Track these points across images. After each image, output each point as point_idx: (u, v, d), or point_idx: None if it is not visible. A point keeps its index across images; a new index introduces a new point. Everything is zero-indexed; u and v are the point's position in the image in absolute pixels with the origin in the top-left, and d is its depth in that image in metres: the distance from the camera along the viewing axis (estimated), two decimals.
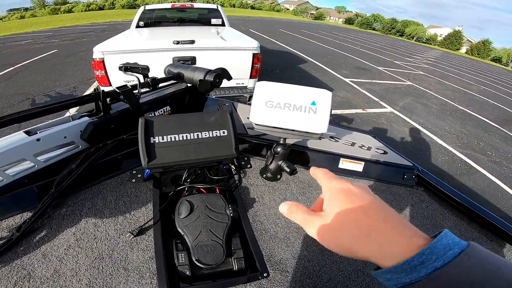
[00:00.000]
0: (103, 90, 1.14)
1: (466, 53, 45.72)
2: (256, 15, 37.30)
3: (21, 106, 4.61)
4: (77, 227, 0.95)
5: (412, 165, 1.46)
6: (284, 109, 1.01)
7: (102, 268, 0.84)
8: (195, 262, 0.84)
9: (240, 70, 3.23)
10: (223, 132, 1.01)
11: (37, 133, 1.02)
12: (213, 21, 4.79)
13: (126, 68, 1.25)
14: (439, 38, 50.39)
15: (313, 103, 0.99)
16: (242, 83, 3.37)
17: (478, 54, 43.87)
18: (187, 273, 0.84)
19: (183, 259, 0.86)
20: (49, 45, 9.95)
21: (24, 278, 0.78)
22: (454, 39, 47.09)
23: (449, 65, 17.23)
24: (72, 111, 3.20)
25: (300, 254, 0.97)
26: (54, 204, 1.00)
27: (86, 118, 1.14)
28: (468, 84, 11.24)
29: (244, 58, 3.22)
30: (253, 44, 3.25)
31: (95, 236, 0.93)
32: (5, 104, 4.61)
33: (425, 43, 47.71)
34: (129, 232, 0.94)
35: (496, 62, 41.15)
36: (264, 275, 0.88)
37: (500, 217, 1.21)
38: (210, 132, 1.00)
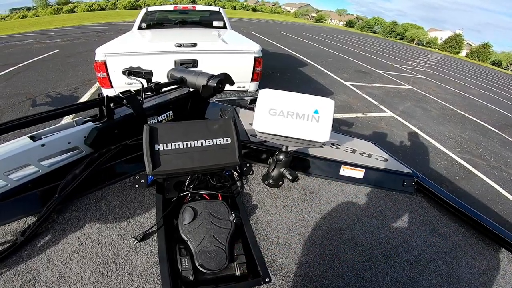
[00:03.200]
0: (107, 95, 1.15)
1: (466, 56, 45.71)
2: (257, 17, 37.40)
3: (21, 106, 4.61)
4: (81, 231, 0.96)
5: (412, 172, 1.48)
6: (287, 117, 1.02)
7: (107, 273, 0.85)
8: (199, 267, 0.85)
9: (241, 73, 3.23)
10: (227, 140, 1.02)
11: (41, 138, 1.02)
12: (215, 23, 4.78)
13: (130, 72, 1.26)
14: (439, 42, 50.46)
15: (316, 112, 1.01)
16: (243, 87, 3.38)
17: (478, 58, 43.90)
18: (191, 278, 0.85)
19: (186, 264, 0.87)
20: (51, 45, 9.94)
21: (29, 282, 0.79)
22: (455, 42, 47.11)
23: (449, 69, 17.27)
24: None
25: (301, 259, 0.99)
26: (58, 208, 1.01)
27: (90, 123, 1.15)
28: (468, 88, 11.26)
29: (245, 62, 3.22)
30: (255, 47, 3.25)
31: (99, 241, 0.94)
32: (5, 104, 4.60)
33: (425, 46, 47.83)
34: (133, 237, 0.95)
35: (496, 65, 41.20)
36: (266, 280, 0.89)
37: (498, 223, 1.23)
38: (214, 140, 1.01)
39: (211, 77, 1.32)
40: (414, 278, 1.00)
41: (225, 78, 1.39)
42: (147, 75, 1.29)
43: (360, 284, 0.94)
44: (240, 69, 3.23)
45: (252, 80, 3.32)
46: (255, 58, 3.22)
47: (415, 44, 48.88)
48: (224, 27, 4.77)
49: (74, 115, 2.51)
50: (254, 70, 3.26)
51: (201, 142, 0.99)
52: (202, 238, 0.90)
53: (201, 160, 0.98)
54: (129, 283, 0.83)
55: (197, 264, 0.85)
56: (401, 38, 52.15)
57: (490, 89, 12.89)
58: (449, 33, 52.13)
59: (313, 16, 71.95)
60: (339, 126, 4.78)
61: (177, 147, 0.96)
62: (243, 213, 1.10)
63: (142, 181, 1.19)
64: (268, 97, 1.04)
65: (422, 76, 11.59)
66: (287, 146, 1.18)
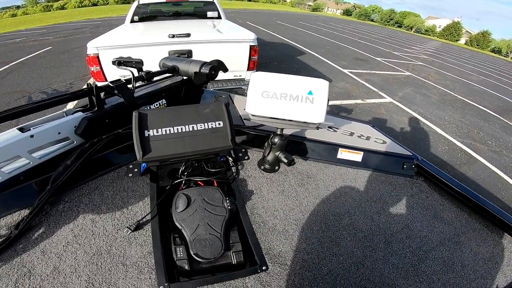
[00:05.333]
0: (96, 85, 1.12)
1: (465, 44, 45.22)
2: (253, 8, 36.80)
3: (18, 104, 4.56)
4: (75, 223, 0.95)
5: (411, 154, 1.45)
6: (280, 99, 1.00)
7: (101, 264, 0.83)
8: (193, 256, 0.83)
9: (237, 62, 3.20)
10: (219, 124, 0.99)
11: (30, 129, 1.00)
12: (209, 14, 4.71)
13: (120, 62, 1.23)
14: (438, 29, 49.82)
15: (310, 93, 0.98)
16: (240, 75, 3.34)
17: (477, 45, 43.37)
18: (186, 267, 0.83)
19: (181, 253, 0.85)
20: (43, 42, 9.81)
21: (24, 275, 0.78)
22: (453, 30, 46.48)
23: (448, 56, 17.09)
24: (69, 106, 3.16)
25: (299, 246, 0.97)
26: (51, 200, 0.99)
27: (80, 113, 1.12)
28: (467, 75, 11.16)
29: (241, 50, 3.17)
30: (250, 36, 3.20)
31: (93, 232, 0.92)
32: (1, 102, 4.57)
33: (424, 34, 47.21)
34: (127, 227, 0.93)
35: (496, 53, 40.76)
36: (263, 268, 0.88)
37: (502, 208, 1.19)
38: (206, 124, 0.98)
39: (204, 64, 1.29)
40: (416, 265, 0.97)
41: (218, 65, 1.36)
42: (138, 64, 1.26)
43: (361, 272, 0.92)
44: (236, 58, 3.19)
45: (249, 69, 3.29)
46: (251, 47, 3.18)
47: (414, 32, 48.29)
48: (219, 17, 4.69)
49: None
50: (250, 58, 3.22)
51: (192, 127, 0.96)
52: (197, 226, 0.88)
53: (192, 145, 0.95)
54: (123, 274, 0.82)
55: (191, 253, 0.84)
56: (399, 26, 51.44)
57: (490, 75, 12.77)
58: (448, 21, 51.44)
59: (310, 5, 70.85)
60: (338, 113, 4.75)
61: (168, 132, 0.94)
62: (238, 200, 1.08)
63: (136, 170, 1.16)
64: (260, 80, 1.01)
65: (421, 63, 11.47)
66: (281, 129, 1.15)
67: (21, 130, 1.00)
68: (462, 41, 47.70)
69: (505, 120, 6.02)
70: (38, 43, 9.70)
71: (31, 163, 1.01)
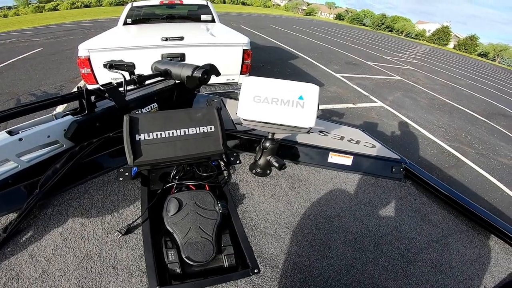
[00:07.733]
0: (86, 88, 1.12)
1: (454, 48, 46.40)
2: (247, 11, 36.99)
3: (6, 106, 4.46)
4: (64, 227, 0.94)
5: (400, 158, 1.48)
6: (271, 104, 1.01)
7: (91, 267, 0.83)
8: (185, 259, 0.84)
9: (230, 66, 3.21)
10: (210, 128, 1.00)
11: (19, 132, 0.99)
12: (203, 17, 4.72)
13: (111, 65, 1.23)
14: (427, 34, 50.98)
15: (301, 98, 1.00)
16: (233, 79, 3.35)
17: (465, 50, 44.51)
18: (178, 270, 0.83)
19: (173, 257, 0.85)
20: (34, 44, 9.65)
21: (12, 279, 0.77)
22: (442, 34, 47.63)
23: (437, 60, 17.50)
24: (59, 109, 3.12)
25: (290, 249, 0.98)
26: (39, 204, 0.98)
27: (70, 117, 1.11)
28: (455, 79, 11.44)
29: (234, 54, 3.19)
30: (243, 40, 3.22)
31: (82, 236, 0.91)
32: None
33: (414, 38, 48.20)
34: (117, 231, 0.93)
35: (483, 57, 41.90)
36: (255, 271, 0.88)
37: (488, 210, 1.23)
38: (197, 128, 0.99)
39: (196, 68, 1.30)
40: (405, 267, 0.99)
41: (211, 69, 1.37)
42: (129, 67, 1.26)
43: (351, 274, 0.93)
44: (229, 61, 3.20)
45: (242, 73, 3.30)
46: (244, 51, 3.19)
47: (404, 36, 49.27)
48: (213, 21, 4.71)
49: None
50: (243, 62, 3.24)
51: (184, 131, 0.97)
52: (188, 229, 0.88)
53: (184, 149, 0.96)
54: (114, 277, 0.81)
55: (183, 256, 0.84)
56: (390, 31, 52.40)
57: (478, 79, 13.12)
58: (437, 25, 52.65)
59: (303, 9, 71.67)
60: (330, 117, 4.80)
61: (159, 136, 0.94)
62: (230, 203, 1.09)
63: (127, 174, 1.16)
64: (252, 85, 1.03)
65: (411, 67, 11.71)
66: (273, 133, 1.17)
67: (10, 133, 0.99)
68: (451, 45, 48.89)
69: (491, 124, 6.19)
70: (28, 45, 9.53)
71: (20, 166, 0.99)
